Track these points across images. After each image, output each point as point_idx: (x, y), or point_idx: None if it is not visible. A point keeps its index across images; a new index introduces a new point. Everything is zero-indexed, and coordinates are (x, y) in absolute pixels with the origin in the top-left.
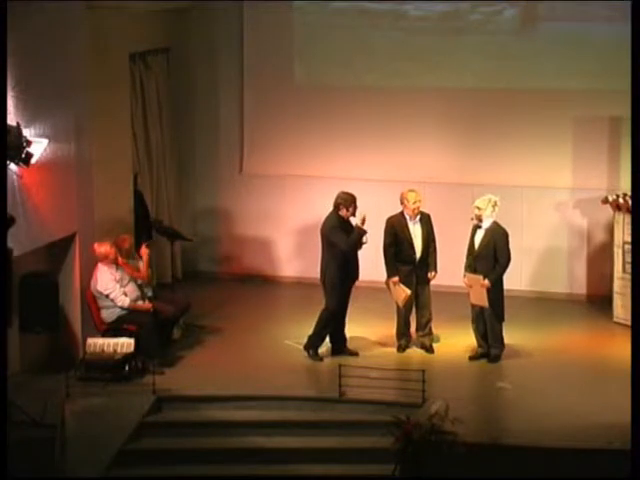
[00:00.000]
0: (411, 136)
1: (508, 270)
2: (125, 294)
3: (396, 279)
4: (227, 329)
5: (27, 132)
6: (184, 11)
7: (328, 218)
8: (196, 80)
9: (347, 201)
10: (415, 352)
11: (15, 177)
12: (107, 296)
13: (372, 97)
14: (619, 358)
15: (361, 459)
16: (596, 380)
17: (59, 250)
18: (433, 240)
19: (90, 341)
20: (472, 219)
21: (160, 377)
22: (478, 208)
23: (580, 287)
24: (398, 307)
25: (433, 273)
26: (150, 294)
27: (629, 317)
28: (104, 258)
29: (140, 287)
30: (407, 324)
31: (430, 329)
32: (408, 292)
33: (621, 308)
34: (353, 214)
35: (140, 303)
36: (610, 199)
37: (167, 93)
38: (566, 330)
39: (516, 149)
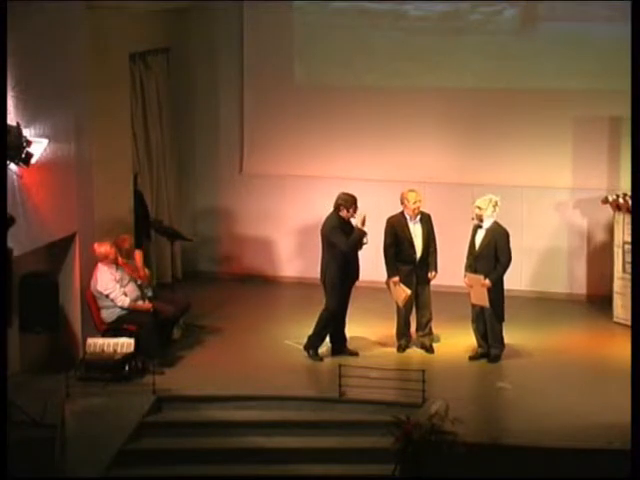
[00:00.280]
0: (411, 136)
1: (508, 270)
2: (125, 294)
3: (396, 279)
4: (227, 329)
5: (27, 132)
6: (184, 11)
7: (328, 219)
8: (196, 80)
9: (348, 202)
10: (415, 352)
11: (15, 177)
12: (107, 296)
13: (372, 97)
14: (619, 358)
15: (361, 459)
16: (596, 380)
17: (59, 250)
18: (433, 240)
19: (90, 341)
20: (473, 219)
21: (160, 377)
22: (479, 208)
23: (580, 287)
24: (398, 307)
25: (433, 273)
26: (150, 294)
27: (629, 317)
28: (104, 258)
29: (140, 287)
30: (407, 324)
31: (430, 329)
32: (408, 292)
33: (621, 308)
34: (353, 215)
35: (140, 303)
36: (610, 199)
37: (167, 93)
38: (566, 330)
39: (516, 149)
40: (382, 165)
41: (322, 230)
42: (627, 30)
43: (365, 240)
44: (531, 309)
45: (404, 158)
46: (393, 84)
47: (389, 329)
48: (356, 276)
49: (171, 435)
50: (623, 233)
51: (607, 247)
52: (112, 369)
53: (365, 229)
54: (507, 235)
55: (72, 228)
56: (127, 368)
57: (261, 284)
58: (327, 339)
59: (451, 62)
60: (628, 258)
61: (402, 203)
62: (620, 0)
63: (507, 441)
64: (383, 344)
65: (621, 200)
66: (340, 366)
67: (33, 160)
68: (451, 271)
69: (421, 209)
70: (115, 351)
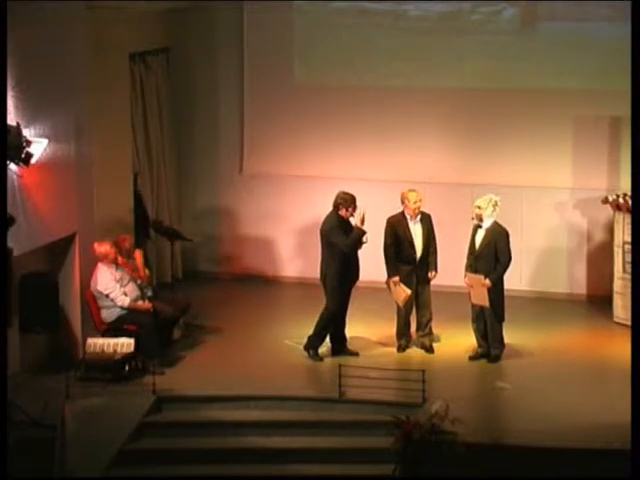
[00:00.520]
0: (411, 136)
1: (508, 270)
2: (125, 294)
3: (396, 279)
4: (227, 329)
5: (27, 132)
6: (184, 11)
7: (328, 218)
8: (196, 80)
9: (347, 201)
10: (415, 352)
11: (15, 177)
12: (107, 296)
13: (372, 97)
14: (619, 358)
15: (361, 459)
16: (596, 380)
17: (59, 250)
18: (433, 240)
19: (90, 341)
20: (473, 219)
21: (160, 377)
22: (479, 208)
23: (580, 287)
24: (398, 307)
25: (433, 273)
26: (150, 294)
27: (629, 317)
28: (104, 258)
29: (140, 287)
30: (407, 324)
31: (430, 329)
32: (408, 292)
33: (621, 308)
34: (353, 214)
35: (140, 303)
36: (610, 199)
37: (167, 93)
38: (566, 330)
39: (516, 149)
40: (382, 165)
41: (321, 229)
42: (627, 30)
43: (364, 239)
44: (531, 309)
45: (404, 158)
46: (393, 84)
47: (389, 329)
48: (356, 276)
49: (171, 435)
50: (623, 233)
51: (607, 247)
52: (112, 369)
53: (364, 228)
54: (507, 235)
55: (72, 228)
56: (127, 368)
57: (261, 284)
58: (327, 339)
59: (451, 62)
60: (628, 258)
61: (402, 203)
62: (620, 0)
63: (507, 441)
64: (383, 344)
65: (621, 200)
66: (340, 366)
67: (33, 160)
68: (451, 271)
69: (421, 209)
70: (115, 351)
